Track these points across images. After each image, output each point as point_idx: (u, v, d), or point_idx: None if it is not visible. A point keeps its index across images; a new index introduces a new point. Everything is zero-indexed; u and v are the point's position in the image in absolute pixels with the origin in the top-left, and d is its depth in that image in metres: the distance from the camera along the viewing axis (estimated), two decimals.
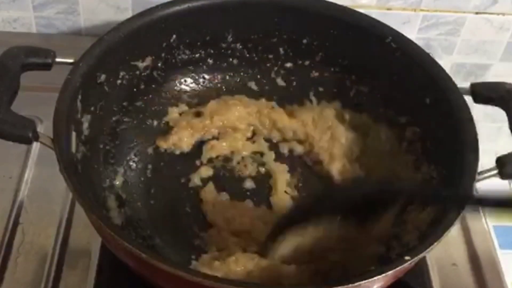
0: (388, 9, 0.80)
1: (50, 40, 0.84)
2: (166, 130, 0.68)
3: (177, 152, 0.67)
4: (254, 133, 0.70)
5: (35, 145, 0.69)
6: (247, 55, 0.71)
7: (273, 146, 0.69)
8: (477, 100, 0.60)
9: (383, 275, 0.47)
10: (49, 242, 0.63)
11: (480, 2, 0.81)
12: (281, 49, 0.70)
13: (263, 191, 0.65)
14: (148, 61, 0.67)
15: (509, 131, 0.57)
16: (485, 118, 0.72)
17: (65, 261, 0.61)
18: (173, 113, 0.69)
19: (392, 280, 0.51)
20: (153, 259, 0.46)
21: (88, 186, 0.53)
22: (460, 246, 0.65)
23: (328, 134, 0.68)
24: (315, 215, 0.56)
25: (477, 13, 0.82)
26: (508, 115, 0.57)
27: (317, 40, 0.69)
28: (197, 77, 0.71)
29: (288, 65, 0.71)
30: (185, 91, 0.71)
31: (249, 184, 0.66)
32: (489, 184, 0.55)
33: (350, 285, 0.47)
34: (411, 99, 0.64)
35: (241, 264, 0.54)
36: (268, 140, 0.70)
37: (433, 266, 0.63)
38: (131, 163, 0.65)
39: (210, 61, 0.71)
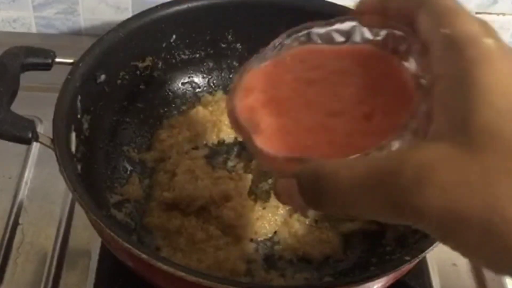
0: None
1: (50, 40, 0.84)
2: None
3: None
4: None
5: (35, 145, 0.69)
6: (247, 55, 0.71)
7: None
8: None
9: (383, 275, 0.47)
10: (49, 242, 0.63)
11: (480, 2, 0.81)
12: None
13: None
14: (148, 61, 0.67)
15: None
16: None
17: (65, 261, 0.61)
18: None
19: (392, 280, 0.51)
20: (153, 259, 0.46)
21: (88, 186, 0.53)
22: None
23: None
24: None
25: (477, 13, 0.82)
26: None
27: None
28: (197, 78, 0.71)
29: None
30: (185, 91, 0.71)
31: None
32: None
33: (350, 285, 0.47)
34: None
35: None
36: None
37: (433, 266, 0.63)
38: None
39: (210, 61, 0.71)
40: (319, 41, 0.43)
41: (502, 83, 0.31)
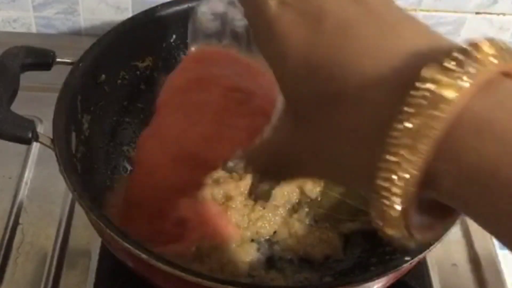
0: None
1: (50, 40, 0.84)
2: None
3: None
4: None
5: (35, 145, 0.69)
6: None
7: None
8: None
9: (383, 275, 0.47)
10: (49, 242, 0.63)
11: (480, 2, 0.81)
12: None
13: None
14: (148, 61, 0.67)
15: None
16: None
17: (65, 261, 0.61)
18: None
19: (392, 280, 0.51)
20: (153, 259, 0.46)
21: (88, 186, 0.53)
22: (460, 246, 0.65)
23: None
24: None
25: (477, 13, 0.82)
26: None
27: None
28: None
29: None
30: None
31: None
32: None
33: (350, 285, 0.47)
34: None
35: None
36: None
37: (433, 266, 0.63)
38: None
39: None
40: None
41: (292, 45, 0.30)
